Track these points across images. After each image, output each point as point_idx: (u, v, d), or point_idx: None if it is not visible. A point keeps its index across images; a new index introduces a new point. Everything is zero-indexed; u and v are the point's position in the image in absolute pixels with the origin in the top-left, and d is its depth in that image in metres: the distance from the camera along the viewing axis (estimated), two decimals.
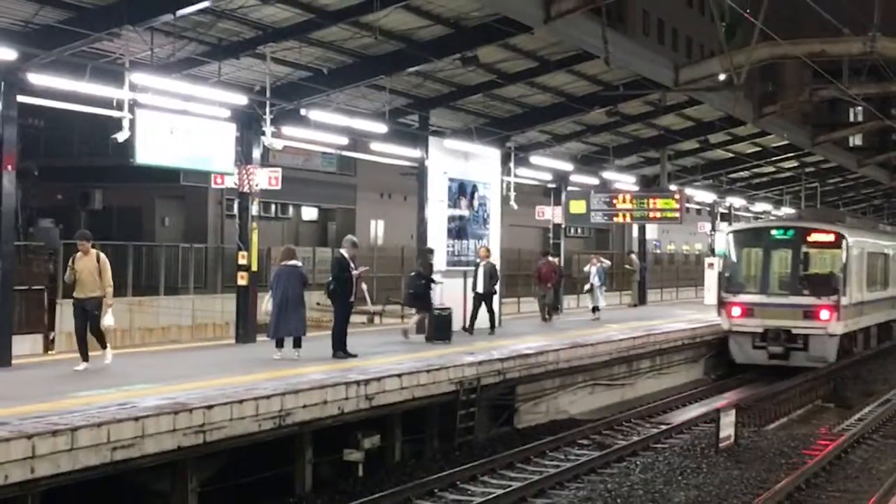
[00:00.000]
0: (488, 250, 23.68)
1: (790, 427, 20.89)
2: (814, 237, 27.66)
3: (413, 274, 21.77)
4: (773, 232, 28.36)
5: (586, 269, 29.79)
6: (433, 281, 21.58)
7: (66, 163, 33.65)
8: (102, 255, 15.59)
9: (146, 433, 11.41)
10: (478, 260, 23.58)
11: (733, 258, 28.22)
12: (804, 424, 21.51)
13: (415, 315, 22.03)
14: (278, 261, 18.26)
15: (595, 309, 29.68)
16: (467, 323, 23.24)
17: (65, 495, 10.87)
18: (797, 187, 49.12)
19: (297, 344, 17.70)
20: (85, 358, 15.49)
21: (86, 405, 12.05)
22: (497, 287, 23.83)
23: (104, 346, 15.83)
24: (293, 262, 17.95)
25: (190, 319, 27.05)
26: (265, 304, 17.75)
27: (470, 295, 23.65)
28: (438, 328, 21.37)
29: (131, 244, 28.85)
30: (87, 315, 15.45)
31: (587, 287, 29.76)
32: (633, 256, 38.63)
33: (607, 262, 30.62)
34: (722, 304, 27.92)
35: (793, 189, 49.90)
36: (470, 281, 23.68)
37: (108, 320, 15.51)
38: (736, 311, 27.21)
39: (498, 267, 24.17)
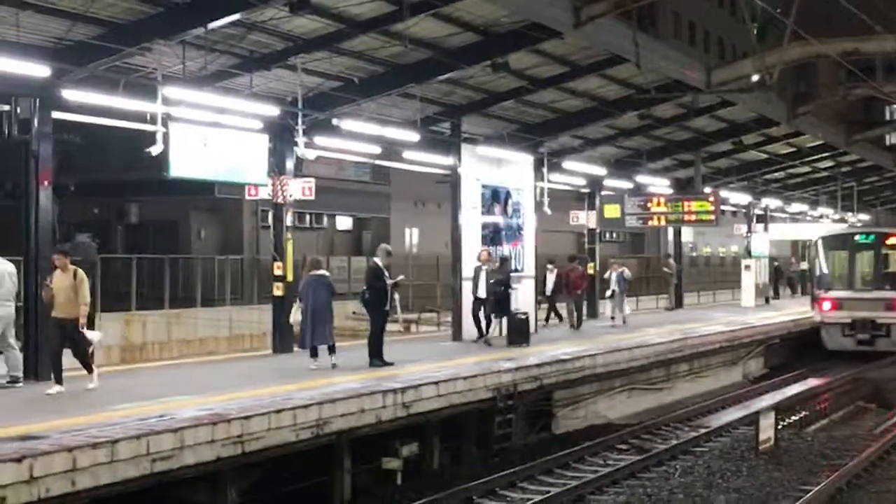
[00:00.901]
0: (490, 254, 22.90)
1: (831, 428, 20.72)
2: (891, 240, 31.92)
3: (493, 281, 22.26)
4: (857, 237, 32.96)
5: (606, 275, 29.23)
6: (511, 287, 22.78)
7: (102, 178, 33.93)
8: (80, 272, 14.78)
9: (185, 444, 11.45)
10: (478, 264, 22.50)
11: (823, 260, 32.69)
12: (845, 426, 21.33)
13: (495, 321, 22.76)
14: (305, 271, 18.38)
15: (614, 317, 28.63)
16: (485, 333, 22.29)
17: None
18: (833, 187, 48.78)
19: (332, 350, 17.77)
20: (58, 381, 14.43)
21: (125, 417, 12.12)
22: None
23: (90, 371, 14.93)
24: (320, 271, 18.10)
25: (227, 331, 27.21)
26: (293, 314, 17.91)
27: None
28: (517, 331, 22.12)
29: (168, 257, 29.09)
30: (65, 337, 14.61)
31: (608, 293, 28.99)
32: (671, 260, 38.49)
33: (628, 273, 29.18)
34: (814, 300, 32.41)
35: (829, 189, 49.55)
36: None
37: (93, 336, 14.95)
38: (827, 305, 31.50)
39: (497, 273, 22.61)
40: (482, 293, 22.16)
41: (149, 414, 12.38)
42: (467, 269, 23.00)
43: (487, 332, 22.37)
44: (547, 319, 28.13)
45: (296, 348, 19.20)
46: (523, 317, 22.64)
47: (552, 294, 28.06)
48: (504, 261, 23.33)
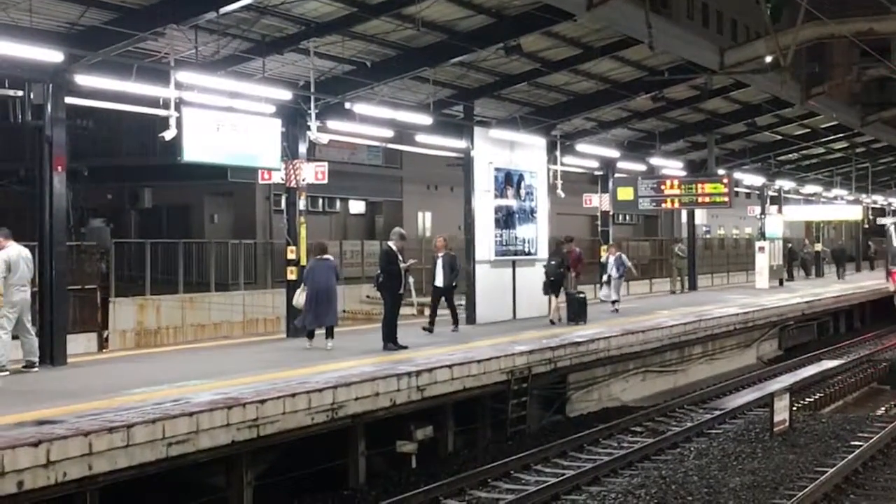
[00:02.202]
0: (446, 241, 21.57)
1: (846, 410, 20.74)
2: None
3: (552, 263, 23.21)
4: None
5: (603, 259, 28.31)
6: (569, 269, 23.76)
7: (115, 163, 34.03)
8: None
9: (200, 428, 11.48)
10: (436, 252, 21.44)
11: (895, 239, 38.90)
12: (860, 407, 21.34)
13: (555, 301, 23.31)
14: (311, 255, 18.65)
15: (616, 301, 27.41)
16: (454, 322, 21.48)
17: (123, 492, 10.98)
18: (848, 168, 48.60)
19: (330, 334, 18.01)
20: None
21: (141, 402, 12.17)
22: (457, 281, 21.59)
23: None
24: (325, 256, 18.32)
25: (241, 315, 27.27)
26: (297, 296, 18.16)
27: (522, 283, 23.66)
28: (578, 310, 23.13)
29: (181, 242, 29.11)
30: None
31: (605, 278, 27.96)
32: (681, 244, 38.40)
33: (626, 258, 28.05)
34: (889, 274, 38.67)
35: (843, 170, 49.37)
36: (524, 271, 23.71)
37: None
38: None
39: (459, 259, 21.84)
40: (440, 282, 21.04)
41: (164, 398, 12.42)
42: (481, 253, 23.01)
43: (455, 321, 21.39)
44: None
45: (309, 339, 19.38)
46: (581, 296, 23.73)
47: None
48: (559, 244, 24.18)
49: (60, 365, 15.78)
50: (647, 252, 45.32)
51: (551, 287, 23.27)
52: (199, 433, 11.46)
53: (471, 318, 22.95)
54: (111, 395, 12.72)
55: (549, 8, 18.65)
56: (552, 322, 23.01)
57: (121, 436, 10.57)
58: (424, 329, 20.72)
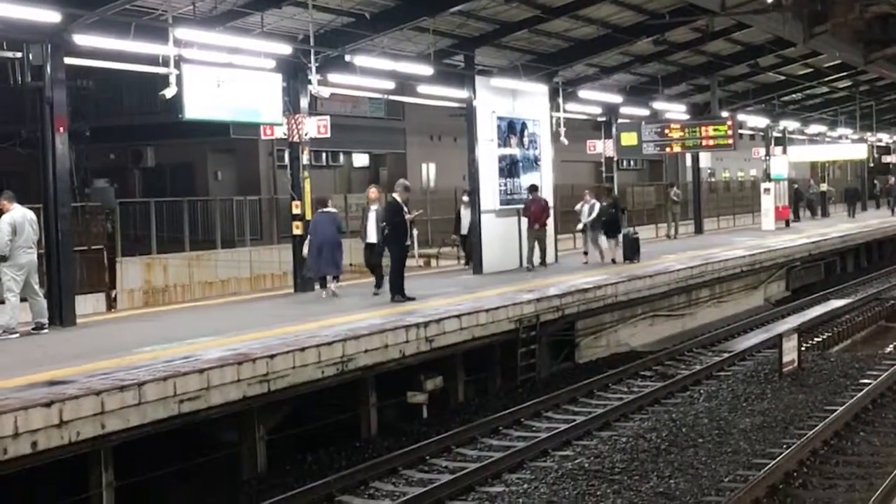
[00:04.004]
0: (378, 191, 20.27)
1: (854, 349, 20.76)
2: None
3: (606, 204, 25.05)
4: None
5: (577, 206, 25.93)
6: (624, 210, 25.50)
7: (117, 122, 33.88)
8: None
9: (211, 385, 11.53)
10: (368, 205, 19.93)
11: None
12: (868, 346, 21.36)
13: (610, 242, 25.07)
14: (314, 208, 19.49)
15: (587, 252, 25.62)
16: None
17: (137, 449, 11.04)
18: (852, 107, 48.37)
19: (336, 279, 19.07)
20: None
21: (151, 360, 12.21)
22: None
23: None
24: (328, 208, 19.15)
25: (248, 271, 27.28)
26: (305, 247, 19.05)
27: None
28: (632, 249, 25.06)
29: (186, 200, 29.09)
30: None
31: (579, 227, 26.00)
32: (676, 189, 38.24)
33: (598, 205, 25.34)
34: None
35: (847, 109, 49.15)
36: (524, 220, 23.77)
37: None
38: None
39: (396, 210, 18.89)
40: (372, 237, 19.37)
41: (174, 356, 12.47)
42: (486, 202, 23.00)
43: (380, 282, 19.27)
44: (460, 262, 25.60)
45: (318, 287, 19.50)
46: (635, 235, 25.70)
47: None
48: (609, 189, 26.85)
49: (70, 326, 15.84)
50: (652, 197, 45.20)
51: (606, 227, 24.94)
52: (210, 389, 11.52)
53: (477, 268, 22.97)
54: (121, 354, 12.76)
55: None
56: (613, 262, 24.59)
57: (132, 394, 10.62)
58: (375, 294, 19.05)
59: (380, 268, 19.44)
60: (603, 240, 25.24)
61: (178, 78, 16.48)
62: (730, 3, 24.33)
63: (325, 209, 19.03)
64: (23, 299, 15.25)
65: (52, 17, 14.93)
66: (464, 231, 24.51)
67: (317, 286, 19.65)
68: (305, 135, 20.39)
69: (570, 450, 13.09)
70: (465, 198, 24.43)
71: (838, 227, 39.77)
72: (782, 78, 38.20)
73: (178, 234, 28.16)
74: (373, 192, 20.24)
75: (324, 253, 18.55)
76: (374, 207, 19.70)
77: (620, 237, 25.08)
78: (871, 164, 58.34)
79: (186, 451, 11.93)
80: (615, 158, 32.35)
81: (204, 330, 14.98)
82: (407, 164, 39.48)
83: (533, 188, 24.06)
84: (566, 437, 13.51)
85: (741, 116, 37.20)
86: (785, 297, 28.61)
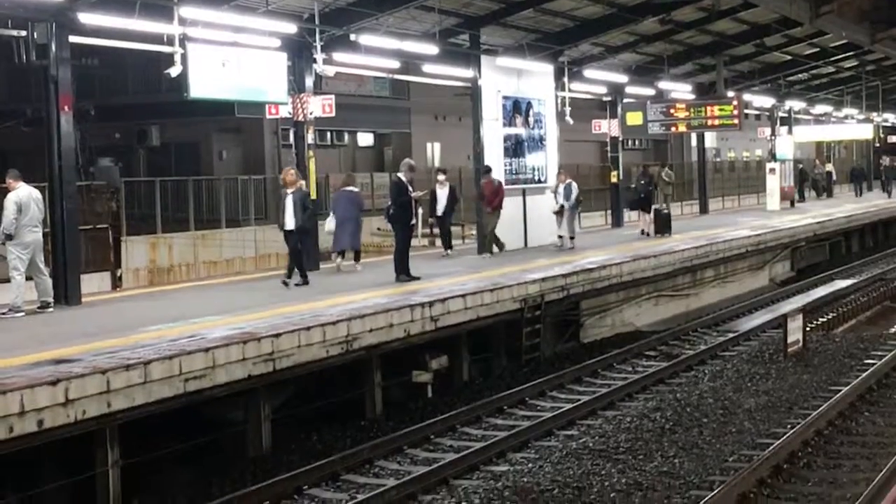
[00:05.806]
0: (296, 174, 17.92)
1: (859, 329, 20.77)
2: None
3: (642, 182, 27.63)
4: None
5: (552, 186, 24.42)
6: (656, 186, 28.70)
7: (122, 101, 33.88)
8: None
9: (217, 363, 11.55)
10: (284, 189, 17.84)
11: None
12: (873, 326, 21.36)
13: (646, 218, 27.35)
14: (338, 187, 20.57)
15: (561, 236, 24.08)
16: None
17: (142, 429, 11.07)
18: (858, 87, 48.22)
19: (357, 258, 20.06)
20: None
21: (156, 339, 12.23)
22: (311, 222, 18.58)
23: None
24: (350, 187, 20.33)
25: (253, 251, 27.30)
26: (327, 223, 19.78)
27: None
28: (664, 224, 27.06)
29: (191, 179, 29.09)
30: None
31: (555, 209, 24.02)
32: (668, 170, 38.12)
33: (576, 186, 24.17)
34: None
35: (853, 89, 49.00)
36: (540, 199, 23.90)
37: None
38: None
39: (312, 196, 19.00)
40: (290, 224, 17.52)
41: (179, 335, 12.48)
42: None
43: (290, 274, 17.79)
44: (434, 244, 24.98)
45: (322, 265, 19.56)
46: (667, 211, 28.39)
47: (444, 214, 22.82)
48: (646, 167, 29.85)
49: (75, 304, 15.87)
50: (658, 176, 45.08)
51: (640, 203, 27.42)
52: (215, 368, 11.53)
53: (482, 248, 22.94)
54: (127, 332, 12.78)
55: None
56: (646, 234, 26.85)
57: (138, 373, 10.64)
58: (283, 283, 17.68)
59: (299, 255, 17.71)
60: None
61: (184, 57, 16.47)
62: None
63: (346, 188, 20.21)
64: (28, 278, 15.26)
65: None
66: (439, 212, 22.60)
67: (335, 257, 20.22)
68: (310, 114, 20.37)
69: (575, 429, 13.12)
70: (441, 176, 22.83)
71: (843, 207, 39.72)
72: (788, 58, 38.08)
73: (184, 213, 28.17)
74: (289, 175, 17.84)
75: (343, 230, 19.53)
76: (290, 191, 17.55)
77: (652, 212, 27.32)
78: (878, 144, 58.16)
79: (192, 430, 11.96)
80: (620, 138, 32.29)
81: (209, 309, 14.99)
82: (412, 144, 39.44)
83: (487, 169, 22.39)
84: (571, 417, 13.54)
85: (747, 96, 37.12)
86: (790, 277, 28.60)
